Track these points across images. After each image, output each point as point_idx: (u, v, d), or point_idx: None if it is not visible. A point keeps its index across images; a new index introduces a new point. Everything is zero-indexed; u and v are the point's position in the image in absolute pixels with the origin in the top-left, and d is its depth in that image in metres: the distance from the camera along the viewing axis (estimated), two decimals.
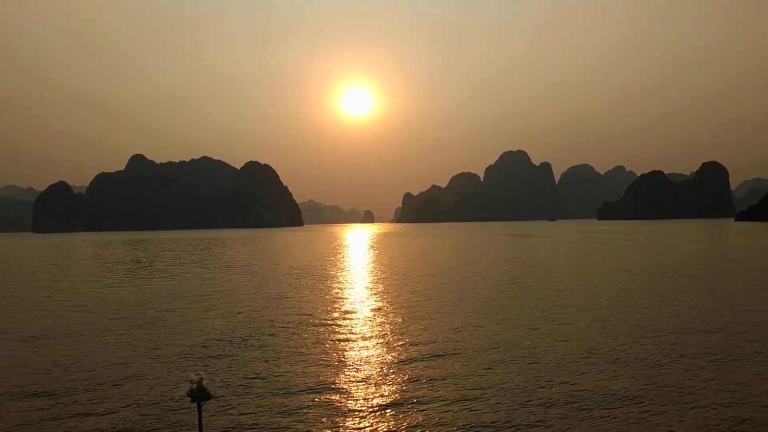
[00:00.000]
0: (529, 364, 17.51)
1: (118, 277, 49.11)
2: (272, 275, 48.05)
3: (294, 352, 19.82)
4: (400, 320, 25.37)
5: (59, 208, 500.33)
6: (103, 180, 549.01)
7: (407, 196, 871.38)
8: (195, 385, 7.57)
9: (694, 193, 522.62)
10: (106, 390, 15.84)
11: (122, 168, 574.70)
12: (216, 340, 22.17)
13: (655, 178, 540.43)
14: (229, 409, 14.02)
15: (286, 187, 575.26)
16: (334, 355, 19.35)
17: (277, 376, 16.86)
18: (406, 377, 16.40)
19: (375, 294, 34.82)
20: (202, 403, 7.65)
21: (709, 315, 25.00)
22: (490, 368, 17.11)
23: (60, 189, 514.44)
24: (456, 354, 18.96)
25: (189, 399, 7.70)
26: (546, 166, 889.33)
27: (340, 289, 37.98)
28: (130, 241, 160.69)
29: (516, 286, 36.78)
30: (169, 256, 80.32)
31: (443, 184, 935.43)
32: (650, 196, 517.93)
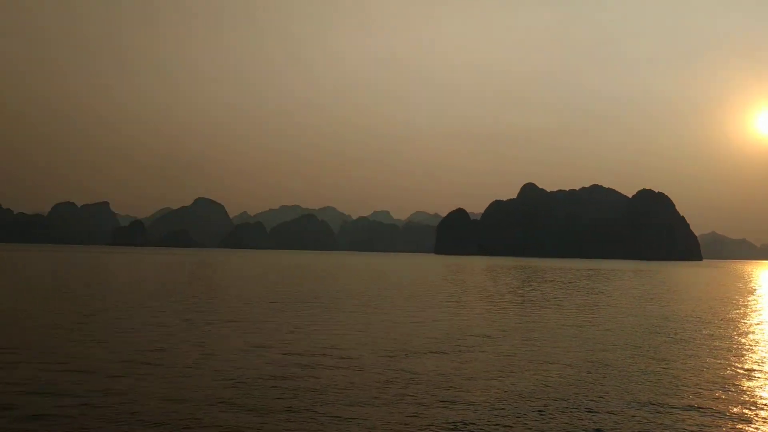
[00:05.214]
0: None
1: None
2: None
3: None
4: None
5: (457, 232, 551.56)
6: (496, 207, 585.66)
7: None
8: None
9: None
10: None
11: (514, 196, 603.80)
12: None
13: None
14: None
15: (683, 217, 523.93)
16: None
17: None
18: None
19: None
20: None
21: None
22: None
23: (458, 215, 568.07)
24: None
25: None
26: None
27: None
28: (522, 267, 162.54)
29: None
30: (583, 286, 75.80)
31: None
32: None
